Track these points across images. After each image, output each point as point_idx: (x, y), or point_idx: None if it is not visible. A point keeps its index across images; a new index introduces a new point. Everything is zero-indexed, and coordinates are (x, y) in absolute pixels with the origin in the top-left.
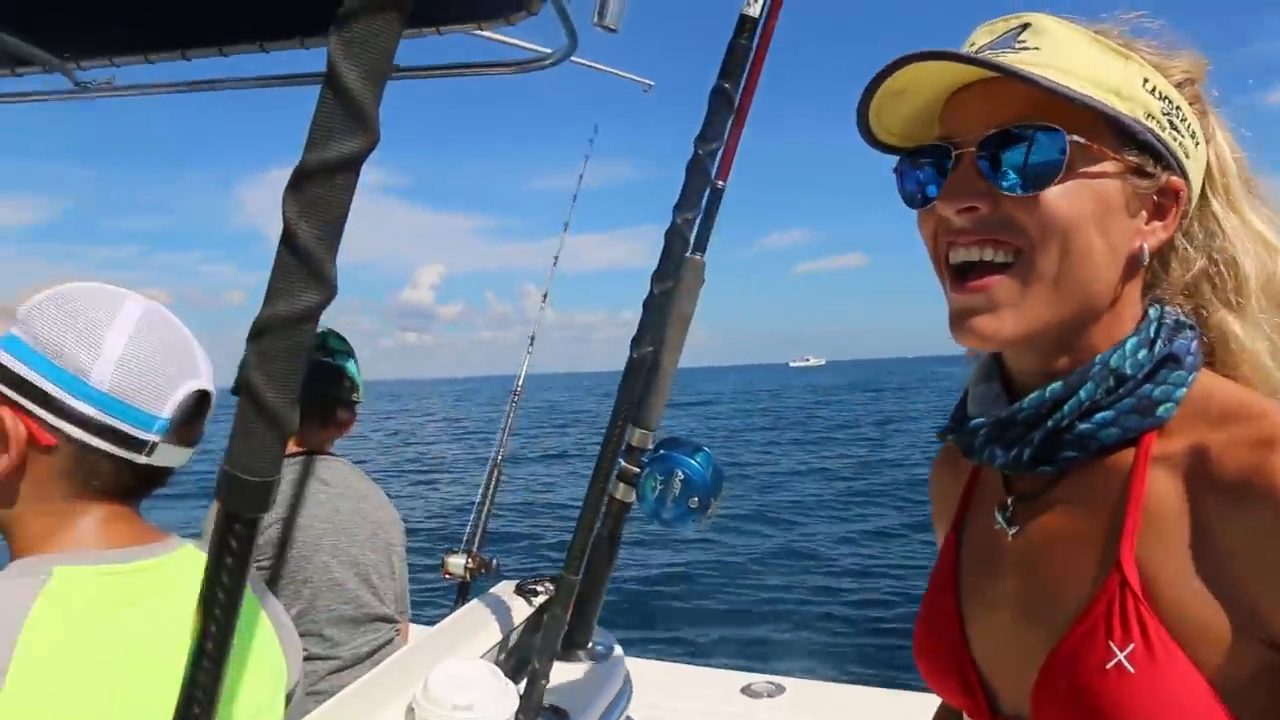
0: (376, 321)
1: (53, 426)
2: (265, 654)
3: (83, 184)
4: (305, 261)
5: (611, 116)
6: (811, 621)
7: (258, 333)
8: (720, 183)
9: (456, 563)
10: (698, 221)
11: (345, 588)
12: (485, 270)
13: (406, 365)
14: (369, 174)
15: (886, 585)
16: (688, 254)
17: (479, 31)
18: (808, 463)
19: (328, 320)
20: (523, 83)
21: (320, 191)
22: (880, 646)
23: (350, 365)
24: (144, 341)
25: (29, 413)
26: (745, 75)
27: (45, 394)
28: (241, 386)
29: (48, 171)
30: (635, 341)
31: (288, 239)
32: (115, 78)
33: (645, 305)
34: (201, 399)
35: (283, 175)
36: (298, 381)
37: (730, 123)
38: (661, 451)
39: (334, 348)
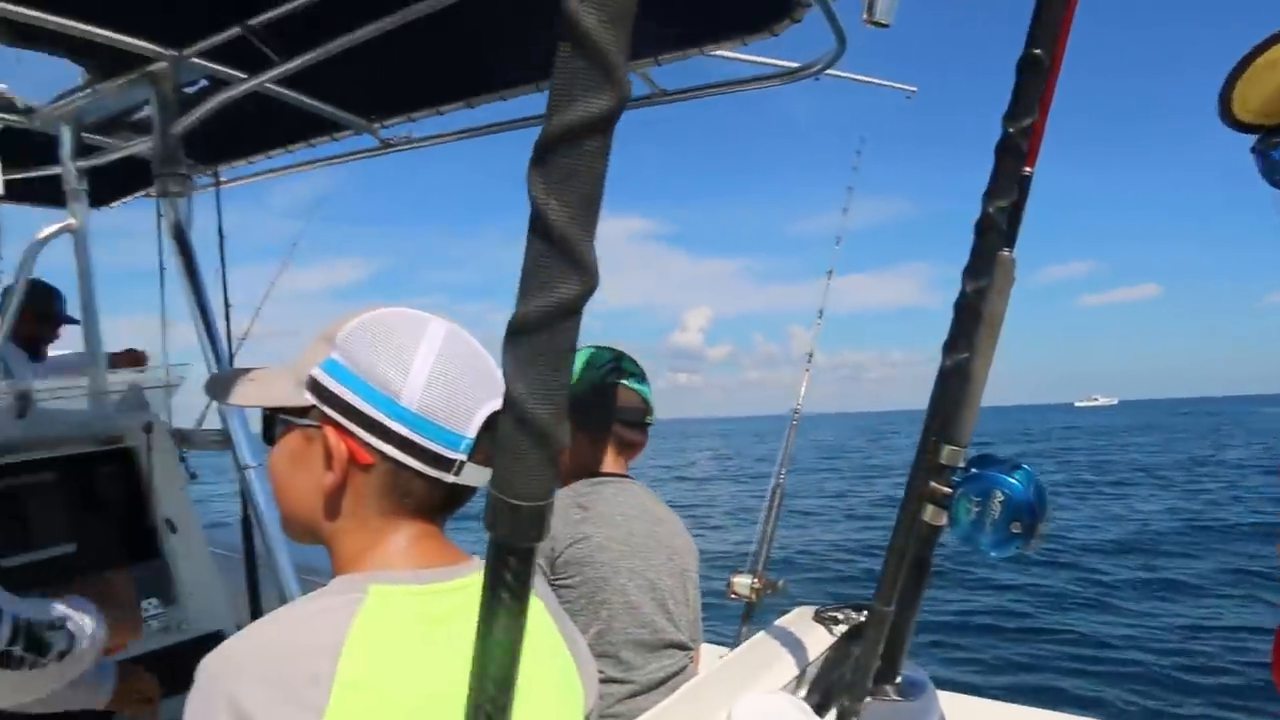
0: (650, 364)
1: (370, 445)
2: (562, 678)
3: (402, 244)
4: (560, 246)
5: (872, 155)
6: (1125, 680)
7: (514, 334)
8: (1027, 169)
9: (743, 583)
10: (1008, 212)
11: (641, 611)
12: (752, 312)
13: (677, 405)
14: (637, 224)
15: (1216, 644)
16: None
17: (742, 48)
18: (1104, 508)
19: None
20: (782, 127)
21: (569, 162)
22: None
23: (644, 387)
24: (448, 362)
25: (349, 432)
26: (1054, 41)
27: (363, 414)
28: (504, 400)
29: (372, 235)
30: (947, 347)
31: (538, 223)
32: (412, 132)
33: (956, 307)
34: None
35: None
36: (564, 389)
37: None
38: (973, 470)
39: (628, 370)
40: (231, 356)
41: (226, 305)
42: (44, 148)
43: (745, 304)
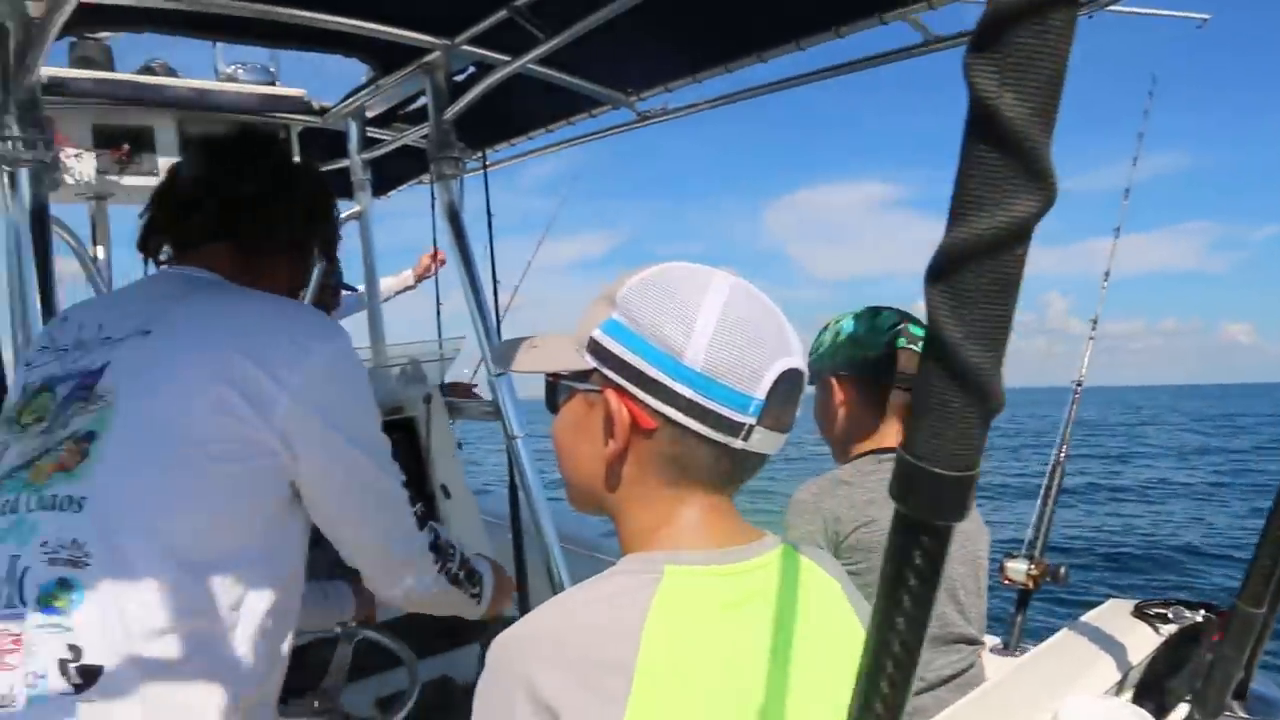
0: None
1: (653, 409)
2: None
3: (638, 217)
4: (1015, 151)
5: (1143, 100)
6: None
7: (948, 264)
8: None
9: (1017, 568)
10: None
11: None
12: None
13: None
14: (877, 189)
15: None
16: None
17: None
18: None
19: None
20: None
21: (1031, 44)
22: None
23: None
24: (735, 319)
25: (631, 395)
26: None
27: (645, 376)
28: (928, 345)
29: (614, 209)
30: None
31: (984, 123)
32: (668, 103)
33: None
34: (795, 379)
35: (798, 198)
36: (1007, 333)
37: None
38: None
39: (916, 333)
40: (499, 327)
41: (495, 281)
42: (334, 143)
43: None
